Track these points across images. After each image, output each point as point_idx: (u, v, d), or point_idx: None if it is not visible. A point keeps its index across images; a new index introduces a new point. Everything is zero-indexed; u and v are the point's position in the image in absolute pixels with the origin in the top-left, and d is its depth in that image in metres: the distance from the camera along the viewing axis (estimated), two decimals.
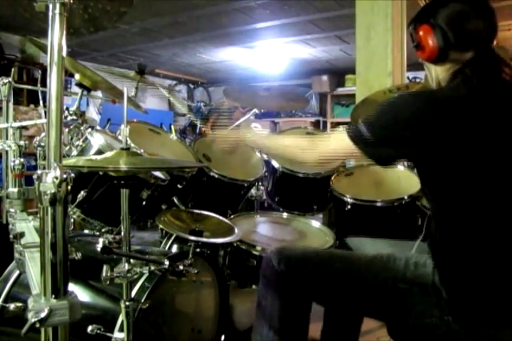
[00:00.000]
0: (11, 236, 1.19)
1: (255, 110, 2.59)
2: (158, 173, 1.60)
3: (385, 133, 0.98)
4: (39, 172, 0.65)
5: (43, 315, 0.64)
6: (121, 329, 1.08)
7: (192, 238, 1.38)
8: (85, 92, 1.78)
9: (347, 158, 1.11)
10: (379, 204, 1.79)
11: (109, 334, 1.09)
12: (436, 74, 1.10)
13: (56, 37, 0.67)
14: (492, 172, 0.94)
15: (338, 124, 5.64)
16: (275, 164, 2.09)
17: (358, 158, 1.14)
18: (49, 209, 0.65)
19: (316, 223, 1.99)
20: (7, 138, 1.69)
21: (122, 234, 1.06)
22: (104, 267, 1.02)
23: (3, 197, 1.67)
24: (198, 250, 1.42)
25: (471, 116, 0.95)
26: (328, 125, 5.73)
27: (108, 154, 1.10)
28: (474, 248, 0.96)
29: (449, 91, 1.02)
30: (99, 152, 1.54)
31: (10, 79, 1.71)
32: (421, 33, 1.04)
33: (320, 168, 1.17)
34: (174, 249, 1.70)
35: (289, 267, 1.12)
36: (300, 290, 1.12)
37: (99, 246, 0.98)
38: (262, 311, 1.14)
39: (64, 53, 0.68)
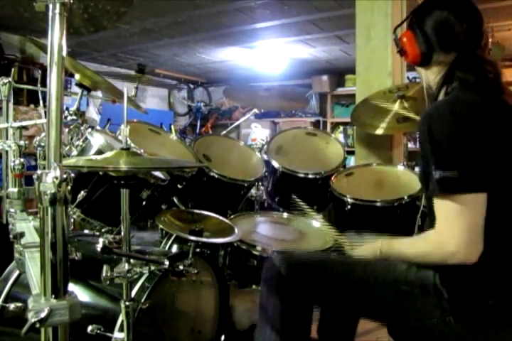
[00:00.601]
0: (11, 236, 1.19)
1: (255, 110, 2.60)
2: (158, 173, 1.60)
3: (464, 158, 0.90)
4: (39, 172, 0.65)
5: (43, 315, 0.64)
6: (121, 329, 1.08)
7: (192, 238, 1.38)
8: (85, 92, 1.78)
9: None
10: (379, 204, 1.78)
11: (109, 334, 1.09)
12: (426, 76, 1.11)
13: (56, 37, 0.67)
14: (494, 172, 0.95)
15: (338, 124, 5.63)
16: (275, 164, 2.09)
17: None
18: (49, 209, 0.65)
19: (316, 223, 1.99)
20: (7, 138, 1.69)
21: (122, 234, 1.07)
22: (104, 267, 1.02)
23: (3, 197, 1.67)
24: (198, 250, 1.42)
25: (488, 115, 0.96)
26: (328, 125, 5.71)
27: (108, 154, 1.11)
28: None
29: (462, 95, 1.01)
30: (99, 152, 1.54)
31: (10, 79, 1.71)
32: (404, 38, 1.08)
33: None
34: (174, 249, 1.70)
35: (290, 270, 1.11)
36: (301, 294, 1.12)
37: (99, 246, 0.98)
38: (265, 313, 1.14)
39: (64, 53, 0.68)
